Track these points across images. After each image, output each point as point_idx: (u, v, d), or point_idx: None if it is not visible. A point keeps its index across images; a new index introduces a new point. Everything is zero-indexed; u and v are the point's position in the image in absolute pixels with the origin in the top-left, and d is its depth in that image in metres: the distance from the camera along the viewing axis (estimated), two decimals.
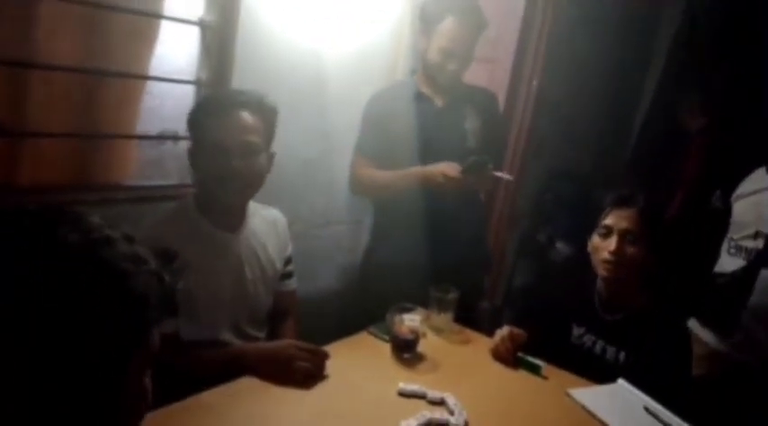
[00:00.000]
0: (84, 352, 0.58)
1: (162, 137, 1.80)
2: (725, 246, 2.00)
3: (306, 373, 1.40)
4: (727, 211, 2.02)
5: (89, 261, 0.60)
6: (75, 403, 0.59)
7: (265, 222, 1.65)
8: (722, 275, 1.98)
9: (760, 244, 1.89)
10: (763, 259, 1.89)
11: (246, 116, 1.46)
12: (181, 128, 1.65)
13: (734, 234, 1.97)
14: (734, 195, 2.01)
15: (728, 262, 1.97)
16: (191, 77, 1.85)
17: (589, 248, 1.74)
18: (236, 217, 1.55)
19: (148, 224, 1.49)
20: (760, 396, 1.84)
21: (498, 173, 2.03)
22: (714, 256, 2.03)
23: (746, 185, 1.99)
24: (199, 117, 1.46)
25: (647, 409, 1.45)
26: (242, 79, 1.82)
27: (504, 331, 1.69)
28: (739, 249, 1.95)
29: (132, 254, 0.63)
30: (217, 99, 1.52)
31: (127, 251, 0.63)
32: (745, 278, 1.91)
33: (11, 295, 0.56)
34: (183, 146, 1.71)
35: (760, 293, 1.88)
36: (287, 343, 1.46)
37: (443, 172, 1.96)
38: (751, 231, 1.93)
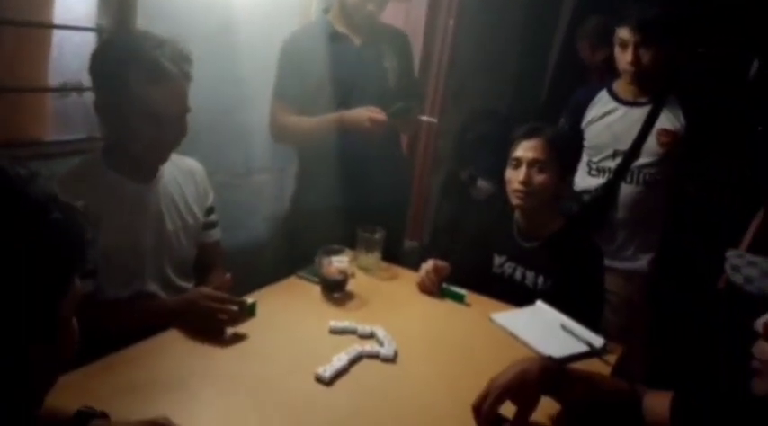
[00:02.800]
0: (8, 297, 0.56)
1: (65, 89, 1.70)
2: (585, 169, 2.16)
3: (224, 323, 1.39)
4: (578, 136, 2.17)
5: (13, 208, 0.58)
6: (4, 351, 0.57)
7: (182, 172, 1.61)
8: (587, 191, 2.13)
9: (619, 161, 2.07)
10: (622, 174, 2.07)
11: (183, 84, 1.40)
12: (84, 79, 1.55)
13: (593, 157, 2.12)
14: (584, 122, 2.14)
15: (592, 182, 2.14)
16: (91, 24, 1.74)
17: (505, 180, 1.81)
18: (149, 170, 1.50)
19: (56, 181, 1.42)
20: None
21: (423, 117, 2.05)
22: None
23: (595, 110, 2.14)
24: (121, 74, 1.33)
25: (563, 326, 1.55)
26: (146, 26, 1.72)
27: (428, 264, 1.75)
28: (600, 170, 2.12)
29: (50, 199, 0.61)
30: (139, 57, 1.35)
31: (43, 195, 0.61)
32: (607, 193, 2.10)
33: None
34: (89, 97, 1.61)
35: (621, 206, 2.08)
36: (200, 294, 1.42)
37: (370, 117, 1.96)
38: (609, 152, 2.10)
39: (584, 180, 2.15)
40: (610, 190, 2.08)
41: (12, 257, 0.56)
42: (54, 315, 0.61)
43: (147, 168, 1.48)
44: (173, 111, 1.40)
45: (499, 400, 1.11)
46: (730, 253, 0.87)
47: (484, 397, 1.12)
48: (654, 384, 1.21)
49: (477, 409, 1.13)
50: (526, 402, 1.13)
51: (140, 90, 1.34)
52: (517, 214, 1.84)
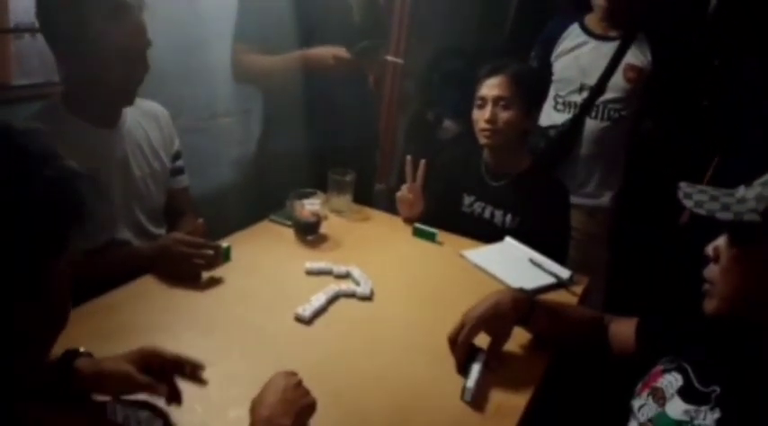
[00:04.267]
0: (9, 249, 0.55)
1: (18, 31, 1.61)
2: (552, 103, 2.19)
3: (199, 268, 1.39)
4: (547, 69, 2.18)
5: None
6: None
7: (145, 116, 1.57)
8: (553, 127, 2.17)
9: (585, 96, 2.11)
10: (587, 109, 2.11)
11: (141, 16, 1.34)
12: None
13: (560, 91, 2.15)
14: (554, 54, 2.16)
15: (557, 117, 2.17)
16: None
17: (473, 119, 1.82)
18: (113, 113, 1.45)
19: None
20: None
21: (389, 57, 2.02)
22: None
23: (565, 43, 2.16)
24: (77, 12, 1.28)
25: (531, 260, 1.61)
26: None
27: (403, 188, 1.80)
28: (566, 104, 2.16)
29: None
30: None
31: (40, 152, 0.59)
32: (572, 128, 2.13)
33: None
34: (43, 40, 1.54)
35: (587, 141, 2.13)
36: (174, 239, 1.41)
37: (334, 54, 1.92)
38: (576, 86, 2.13)
39: (550, 116, 2.18)
40: (575, 125, 2.11)
41: (2, 210, 0.55)
42: (44, 274, 0.60)
43: (110, 111, 1.44)
44: (136, 45, 1.35)
45: (474, 331, 1.16)
46: (682, 183, 0.93)
47: (459, 329, 1.17)
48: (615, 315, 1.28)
49: (453, 340, 1.18)
50: (499, 332, 1.19)
51: (100, 26, 1.28)
52: (485, 153, 1.86)
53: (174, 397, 0.97)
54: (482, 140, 1.77)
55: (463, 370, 1.15)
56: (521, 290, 1.29)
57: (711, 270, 0.94)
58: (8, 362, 0.62)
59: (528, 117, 1.77)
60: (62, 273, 0.63)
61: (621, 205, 2.19)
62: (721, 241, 0.93)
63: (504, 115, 1.72)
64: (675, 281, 1.44)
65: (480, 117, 1.74)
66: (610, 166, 2.16)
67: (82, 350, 0.96)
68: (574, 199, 2.01)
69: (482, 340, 1.19)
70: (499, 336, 1.19)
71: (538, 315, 1.21)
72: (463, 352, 1.16)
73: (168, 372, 0.98)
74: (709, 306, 0.94)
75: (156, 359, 0.98)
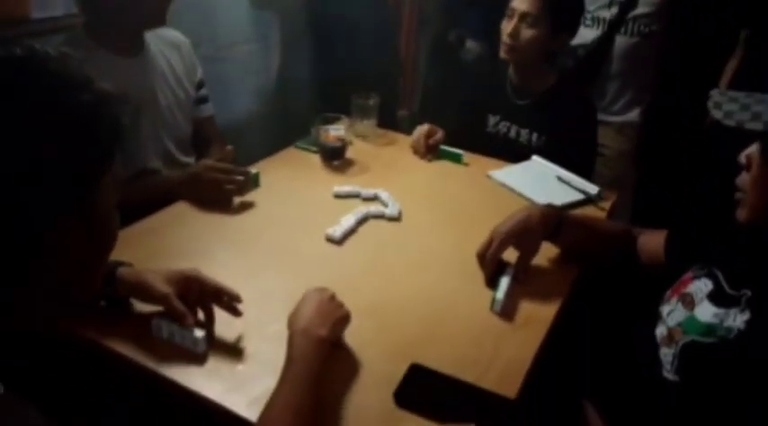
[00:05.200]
0: (58, 173, 0.57)
1: None
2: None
3: (230, 193, 1.41)
4: None
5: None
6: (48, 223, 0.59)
7: (167, 45, 1.56)
8: (582, 46, 2.08)
9: (615, 11, 2.01)
10: (618, 25, 2.02)
11: None
12: None
13: (589, 6, 2.06)
14: None
15: (586, 34, 2.07)
16: None
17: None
18: (135, 42, 1.45)
19: None
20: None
21: None
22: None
23: None
24: None
25: (559, 178, 1.60)
26: None
27: (423, 127, 1.76)
28: (595, 20, 2.06)
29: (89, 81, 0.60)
30: None
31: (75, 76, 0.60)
32: (601, 46, 2.05)
33: None
34: None
35: (617, 59, 2.04)
36: (205, 166, 1.43)
37: None
38: (605, 0, 2.03)
39: (579, 32, 2.10)
40: (605, 43, 2.04)
41: (43, 132, 0.55)
42: (92, 193, 0.62)
43: (135, 39, 1.44)
44: None
45: (503, 245, 1.17)
46: (713, 91, 0.90)
47: (488, 244, 1.18)
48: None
49: (482, 255, 1.19)
50: (528, 246, 1.20)
51: None
52: (510, 71, 1.82)
53: (209, 323, 1.02)
54: (501, 54, 1.72)
55: (492, 284, 1.17)
56: (549, 206, 1.29)
57: (743, 179, 0.93)
58: (63, 283, 0.64)
59: (555, 39, 1.70)
60: (108, 193, 0.64)
61: (650, 119, 2.13)
62: (754, 148, 0.91)
63: (526, 32, 1.67)
64: (704, 192, 1.42)
65: (505, 29, 1.69)
66: (640, 83, 2.10)
67: (124, 261, 1.01)
68: (602, 117, 1.97)
69: (511, 255, 1.21)
70: (528, 250, 1.20)
71: (567, 230, 1.22)
72: (492, 266, 1.18)
73: (207, 299, 1.03)
74: (742, 214, 0.93)
75: (197, 284, 1.02)
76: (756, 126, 0.84)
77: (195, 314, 1.01)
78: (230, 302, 1.02)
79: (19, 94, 0.55)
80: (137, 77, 1.45)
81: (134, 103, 1.42)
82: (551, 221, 1.20)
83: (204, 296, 1.02)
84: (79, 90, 0.59)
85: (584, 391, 1.09)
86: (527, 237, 1.19)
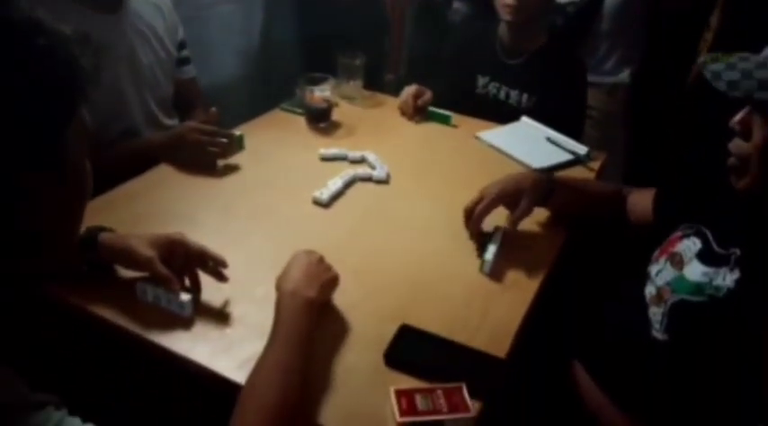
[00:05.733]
0: (20, 120, 0.54)
1: None
2: None
3: (214, 155, 1.39)
4: None
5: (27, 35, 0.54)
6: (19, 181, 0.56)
7: (148, 4, 1.50)
8: (572, 3, 2.05)
9: None
10: None
11: None
12: None
13: None
14: None
15: None
16: None
17: None
18: None
19: None
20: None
21: None
22: None
23: None
24: None
25: (548, 139, 1.58)
26: None
27: (411, 88, 1.73)
28: None
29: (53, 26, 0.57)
30: None
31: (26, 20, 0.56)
32: (591, 3, 2.03)
33: None
34: None
35: (607, 16, 2.02)
36: (188, 127, 1.40)
37: None
38: None
39: None
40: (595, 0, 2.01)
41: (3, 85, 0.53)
42: (58, 142, 0.59)
43: None
44: None
45: (491, 204, 1.16)
46: (705, 58, 0.84)
47: (476, 202, 1.17)
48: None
49: (470, 211, 1.18)
50: (519, 206, 1.18)
51: None
52: (501, 30, 1.78)
53: (194, 288, 1.00)
54: (505, 16, 1.68)
55: (479, 242, 1.16)
56: (540, 171, 1.27)
57: (740, 147, 0.88)
58: (37, 242, 0.62)
59: None
60: (76, 143, 0.62)
61: (640, 82, 2.11)
62: (747, 114, 0.88)
63: None
64: (692, 152, 1.41)
65: None
66: (630, 42, 2.07)
67: (105, 227, 0.99)
68: (593, 78, 1.95)
69: (500, 218, 1.20)
70: (519, 210, 1.18)
71: (558, 194, 1.20)
72: (478, 223, 1.16)
73: (192, 263, 1.01)
74: (741, 183, 0.89)
75: (181, 248, 0.99)
76: (765, 95, 0.81)
77: (181, 278, 0.99)
78: (216, 267, 1.01)
79: None
80: (115, 34, 1.40)
81: (113, 62, 1.38)
82: (543, 185, 1.19)
83: (189, 260, 1.00)
84: (31, 33, 0.55)
85: (573, 352, 1.10)
86: (517, 197, 1.17)
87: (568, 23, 2.04)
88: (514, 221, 1.17)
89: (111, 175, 1.29)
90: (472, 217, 1.17)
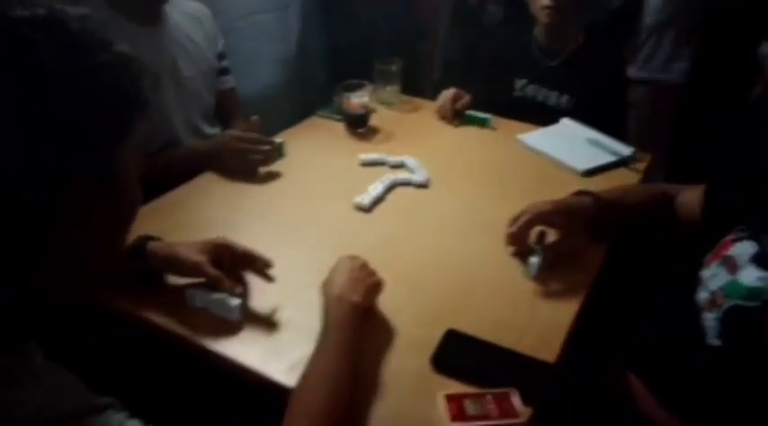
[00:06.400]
0: (75, 137, 0.56)
1: None
2: None
3: (256, 163, 1.40)
4: None
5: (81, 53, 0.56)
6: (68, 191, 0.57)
7: (188, 16, 1.53)
8: None
9: None
10: None
11: None
12: None
13: None
14: None
15: None
16: None
17: None
18: (154, 10, 1.42)
19: None
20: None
21: None
22: None
23: None
24: None
25: (590, 140, 1.55)
26: None
27: (449, 91, 1.72)
28: None
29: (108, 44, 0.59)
30: None
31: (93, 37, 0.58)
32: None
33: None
34: None
35: (651, 11, 1.95)
36: (230, 136, 1.43)
37: None
38: None
39: None
40: None
41: (61, 90, 0.54)
42: (111, 159, 0.61)
43: (151, 9, 1.41)
44: None
45: (533, 222, 1.13)
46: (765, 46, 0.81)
47: (518, 216, 1.15)
48: None
49: (512, 228, 1.15)
50: (564, 227, 1.15)
51: None
52: (537, 32, 1.77)
53: (242, 289, 1.01)
54: (543, 19, 1.66)
55: (518, 254, 1.14)
56: (583, 194, 1.22)
57: None
58: (87, 252, 0.63)
59: None
60: (129, 160, 0.63)
61: (692, 80, 2.03)
62: None
63: None
64: (745, 155, 1.37)
65: None
66: (680, 37, 1.99)
67: (153, 236, 1.01)
68: (639, 74, 1.91)
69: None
70: (564, 237, 1.15)
71: (601, 218, 1.16)
72: (517, 239, 1.14)
73: (238, 265, 1.02)
74: None
75: (228, 252, 1.01)
76: None
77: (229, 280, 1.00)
78: (261, 267, 1.02)
79: (38, 53, 0.54)
80: (157, 47, 1.43)
81: (155, 72, 1.41)
82: (589, 213, 1.15)
83: (235, 262, 1.02)
84: (98, 50, 0.58)
85: (625, 359, 1.07)
86: (563, 221, 1.14)
87: (611, 20, 1.99)
88: (556, 247, 1.14)
89: (155, 184, 1.32)
90: (510, 234, 1.14)
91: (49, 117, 0.54)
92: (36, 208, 0.56)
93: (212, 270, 0.97)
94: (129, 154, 0.63)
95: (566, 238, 1.15)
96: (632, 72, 2.00)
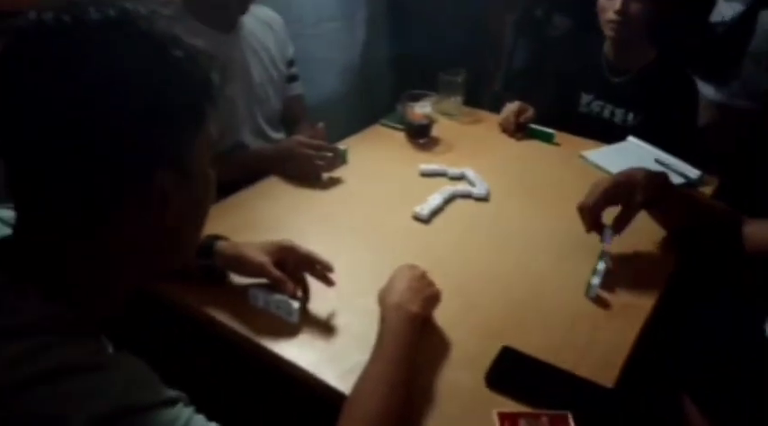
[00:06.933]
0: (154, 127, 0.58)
1: None
2: None
3: (320, 169, 1.43)
4: None
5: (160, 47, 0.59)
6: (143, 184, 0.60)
7: (260, 22, 1.58)
8: (722, 23, 1.92)
9: None
10: (763, 0, 1.83)
11: None
12: None
13: None
14: None
15: (726, 8, 1.90)
16: None
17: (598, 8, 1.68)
18: (230, 17, 1.48)
19: None
20: (756, 137, 1.91)
21: None
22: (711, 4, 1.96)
23: None
24: None
25: (657, 160, 1.51)
26: None
27: (513, 104, 1.71)
28: None
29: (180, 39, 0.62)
30: None
31: (164, 33, 0.61)
32: (744, 23, 1.87)
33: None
34: None
35: (760, 37, 1.86)
36: (297, 141, 1.46)
37: None
38: None
39: (719, 5, 1.92)
40: (748, 18, 1.86)
41: (137, 86, 0.57)
42: (186, 150, 0.63)
43: (228, 16, 1.46)
44: None
45: (604, 195, 1.11)
46: None
47: (589, 196, 1.13)
48: None
49: (584, 208, 1.13)
50: (629, 201, 1.11)
51: None
52: (606, 47, 1.74)
53: (304, 294, 1.04)
54: (608, 32, 1.63)
55: (599, 232, 1.12)
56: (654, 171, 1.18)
57: None
58: (164, 246, 0.66)
59: (667, 11, 1.59)
60: (203, 153, 0.65)
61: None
62: None
63: (635, 6, 1.57)
64: None
65: (609, 6, 1.60)
66: None
67: (221, 236, 1.04)
68: (724, 99, 1.83)
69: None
70: (629, 205, 1.11)
71: (671, 199, 1.13)
72: (593, 216, 1.11)
73: (300, 268, 1.04)
74: None
75: (291, 255, 1.03)
76: None
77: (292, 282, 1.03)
78: (323, 272, 1.04)
79: (114, 52, 0.57)
80: (231, 52, 1.48)
81: (228, 74, 1.46)
82: (656, 182, 1.12)
83: (298, 265, 1.04)
84: (169, 46, 0.60)
85: (684, 385, 1.04)
86: (628, 190, 1.10)
87: (717, 46, 1.91)
88: (622, 222, 1.11)
89: (222, 185, 1.36)
90: (584, 211, 1.12)
91: (124, 112, 0.56)
92: (120, 200, 0.59)
93: (276, 272, 0.99)
94: (205, 149, 0.66)
95: (633, 211, 1.11)
96: (708, 93, 1.93)
